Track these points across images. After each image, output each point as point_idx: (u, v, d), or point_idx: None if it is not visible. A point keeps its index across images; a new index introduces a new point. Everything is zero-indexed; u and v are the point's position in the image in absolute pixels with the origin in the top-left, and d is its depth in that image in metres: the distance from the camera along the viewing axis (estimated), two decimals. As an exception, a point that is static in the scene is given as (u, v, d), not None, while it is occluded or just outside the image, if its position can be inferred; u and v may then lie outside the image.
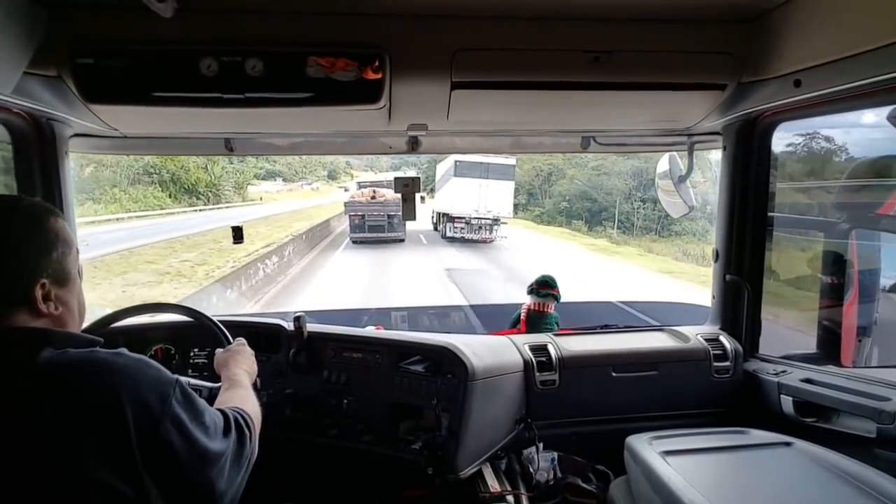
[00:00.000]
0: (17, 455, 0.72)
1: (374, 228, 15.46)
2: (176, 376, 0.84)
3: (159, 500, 0.77)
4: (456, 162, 17.64)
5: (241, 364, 1.25)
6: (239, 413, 0.96)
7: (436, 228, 21.78)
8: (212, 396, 1.14)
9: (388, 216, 16.07)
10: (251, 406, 1.05)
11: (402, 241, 17.22)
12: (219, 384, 1.22)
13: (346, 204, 16.63)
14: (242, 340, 1.37)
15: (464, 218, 18.16)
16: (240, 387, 1.14)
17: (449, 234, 18.53)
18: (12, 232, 0.82)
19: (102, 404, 0.75)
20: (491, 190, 18.03)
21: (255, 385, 1.26)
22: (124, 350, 0.83)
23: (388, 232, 16.34)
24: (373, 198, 15.37)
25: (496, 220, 18.42)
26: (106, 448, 0.74)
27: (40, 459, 0.72)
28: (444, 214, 19.09)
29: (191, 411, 0.82)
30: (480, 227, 18.39)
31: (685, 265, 17.43)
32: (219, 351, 1.32)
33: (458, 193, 17.98)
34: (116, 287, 10.66)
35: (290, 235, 15.48)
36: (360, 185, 17.98)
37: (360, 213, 15.49)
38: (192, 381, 1.37)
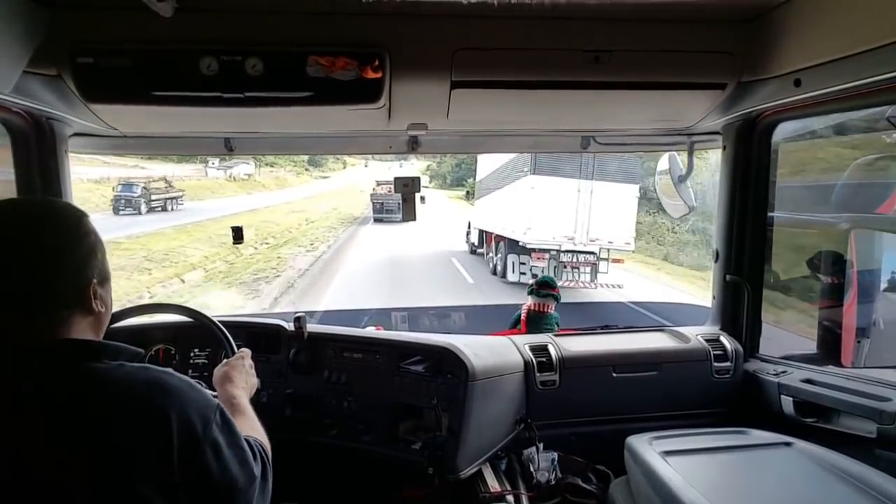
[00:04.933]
0: (64, 465, 0.73)
1: (389, 211, 21.13)
2: (217, 401, 0.86)
3: None
4: None
5: (238, 383, 1.20)
6: (261, 446, 0.96)
7: (474, 251, 13.97)
8: None
9: (398, 203, 21.57)
10: (261, 435, 1.05)
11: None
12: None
13: (371, 196, 22.51)
14: (245, 352, 1.31)
15: (549, 250, 10.08)
16: (242, 413, 1.11)
17: (514, 276, 10.43)
18: (67, 236, 0.84)
19: (153, 421, 0.76)
20: (599, 200, 10.05)
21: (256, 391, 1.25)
22: (171, 370, 0.84)
23: (398, 213, 21.56)
24: (389, 191, 20.76)
25: (598, 255, 10.22)
26: (151, 464, 0.75)
27: (86, 470, 0.73)
28: (507, 240, 10.79)
29: (228, 438, 0.84)
30: (575, 267, 10.16)
31: None
32: (219, 366, 1.26)
33: (539, 205, 10.02)
34: None
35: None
36: (379, 183, 22.78)
37: (380, 202, 21.60)
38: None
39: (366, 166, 47.06)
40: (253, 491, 0.86)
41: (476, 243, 13.94)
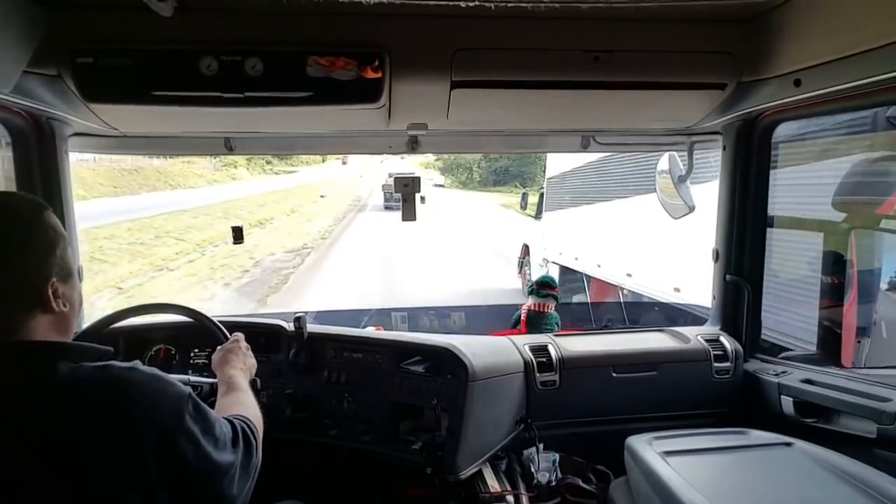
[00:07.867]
0: (28, 470, 0.71)
1: (398, 200, 23.17)
2: (188, 390, 0.84)
3: None
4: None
5: (236, 363, 1.23)
6: (244, 422, 0.96)
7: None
8: (212, 392, 1.13)
9: None
10: (252, 412, 1.04)
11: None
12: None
13: (383, 186, 24.66)
14: (238, 336, 1.36)
15: None
16: (237, 390, 1.13)
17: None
18: (18, 232, 0.80)
19: (118, 422, 0.75)
20: None
21: (254, 384, 1.25)
22: (137, 364, 0.82)
23: None
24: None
25: None
26: (120, 465, 0.74)
27: (51, 475, 0.71)
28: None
29: (203, 425, 0.82)
30: None
31: None
32: (216, 352, 1.30)
33: None
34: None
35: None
36: (390, 175, 26.42)
37: (390, 191, 24.26)
38: (192, 378, 1.38)
39: (343, 163, 41.20)
40: (233, 472, 0.86)
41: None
